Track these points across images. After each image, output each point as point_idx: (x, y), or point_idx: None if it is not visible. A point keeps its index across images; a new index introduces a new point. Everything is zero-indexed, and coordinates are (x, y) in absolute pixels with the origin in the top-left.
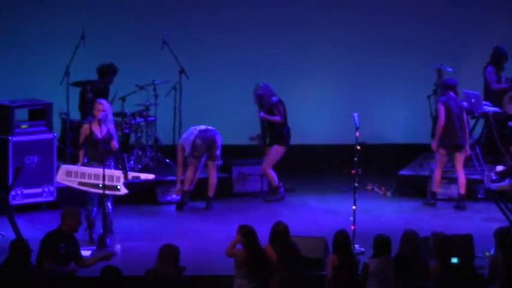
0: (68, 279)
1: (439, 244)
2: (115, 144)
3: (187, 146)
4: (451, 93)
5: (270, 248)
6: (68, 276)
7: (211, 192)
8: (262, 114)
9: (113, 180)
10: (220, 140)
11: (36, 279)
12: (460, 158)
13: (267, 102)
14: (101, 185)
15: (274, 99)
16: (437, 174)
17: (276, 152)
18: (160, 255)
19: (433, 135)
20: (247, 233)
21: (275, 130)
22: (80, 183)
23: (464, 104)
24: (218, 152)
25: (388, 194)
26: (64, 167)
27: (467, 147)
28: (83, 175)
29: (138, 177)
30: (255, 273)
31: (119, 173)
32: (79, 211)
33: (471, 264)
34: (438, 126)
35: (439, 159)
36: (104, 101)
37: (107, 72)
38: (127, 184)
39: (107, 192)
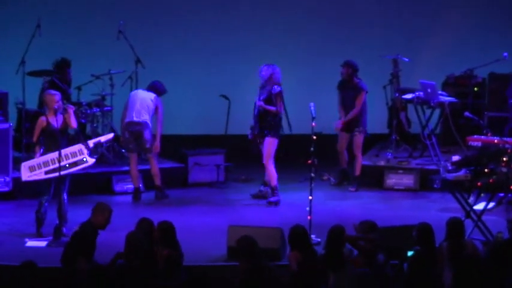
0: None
1: (423, 233)
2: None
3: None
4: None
5: None
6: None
7: (157, 181)
8: (260, 102)
9: (77, 155)
10: (148, 134)
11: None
12: None
13: (272, 89)
14: (67, 165)
15: (278, 88)
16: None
17: (269, 143)
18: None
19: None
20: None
21: (266, 120)
22: (46, 172)
23: (420, 93)
24: (148, 145)
25: (332, 180)
26: (25, 164)
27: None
28: (46, 164)
29: (99, 141)
30: None
31: (79, 146)
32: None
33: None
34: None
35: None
36: (54, 92)
37: (62, 67)
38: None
39: (76, 168)
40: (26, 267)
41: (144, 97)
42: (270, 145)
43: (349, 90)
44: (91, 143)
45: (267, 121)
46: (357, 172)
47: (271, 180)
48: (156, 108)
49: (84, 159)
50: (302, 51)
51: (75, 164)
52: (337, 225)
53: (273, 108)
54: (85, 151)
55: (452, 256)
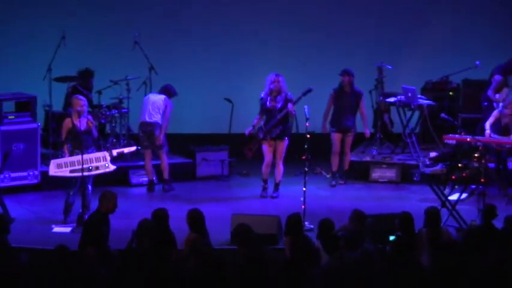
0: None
1: (404, 221)
2: (94, 133)
3: None
4: None
5: None
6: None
7: (165, 175)
8: (291, 106)
9: (100, 160)
10: (158, 131)
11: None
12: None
13: (287, 95)
14: (90, 167)
15: (290, 94)
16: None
17: (285, 143)
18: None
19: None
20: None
21: (286, 124)
22: (71, 171)
23: (402, 97)
24: (158, 142)
25: (327, 175)
26: (54, 162)
27: None
28: (72, 163)
29: (122, 152)
30: None
31: (104, 153)
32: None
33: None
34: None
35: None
36: (81, 97)
37: (85, 76)
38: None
39: (98, 172)
40: (59, 251)
41: (155, 100)
42: (285, 145)
43: (347, 96)
44: (115, 152)
45: (286, 123)
46: (346, 167)
47: (278, 176)
48: (165, 108)
49: (106, 165)
50: (298, 60)
51: (97, 168)
52: (326, 218)
53: (294, 113)
54: (108, 158)
55: (430, 241)
